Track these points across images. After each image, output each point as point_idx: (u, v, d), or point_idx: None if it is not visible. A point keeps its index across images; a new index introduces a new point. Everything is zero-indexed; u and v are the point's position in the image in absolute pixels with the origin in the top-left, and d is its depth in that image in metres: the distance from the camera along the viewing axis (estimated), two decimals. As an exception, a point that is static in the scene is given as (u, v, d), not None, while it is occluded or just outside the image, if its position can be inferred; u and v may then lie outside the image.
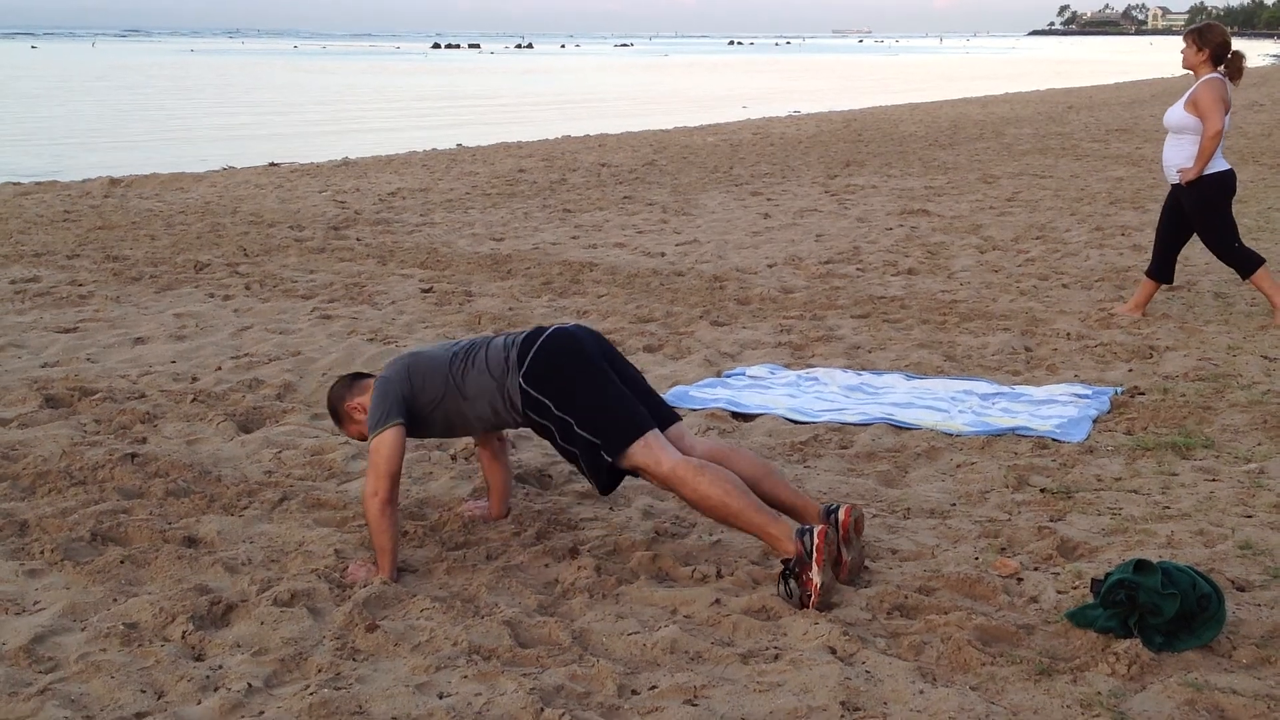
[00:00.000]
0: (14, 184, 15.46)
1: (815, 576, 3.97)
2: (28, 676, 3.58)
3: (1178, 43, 8.54)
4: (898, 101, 36.10)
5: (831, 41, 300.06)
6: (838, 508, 4.23)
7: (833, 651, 3.71)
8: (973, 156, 19.22)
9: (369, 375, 4.67)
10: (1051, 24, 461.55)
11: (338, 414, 4.66)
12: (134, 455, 5.38)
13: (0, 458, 5.37)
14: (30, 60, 79.19)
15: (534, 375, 4.30)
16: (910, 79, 59.68)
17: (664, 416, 4.45)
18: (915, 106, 33.37)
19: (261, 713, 3.40)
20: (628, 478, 4.43)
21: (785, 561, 4.06)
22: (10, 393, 6.35)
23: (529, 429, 4.51)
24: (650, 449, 4.20)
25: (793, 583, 4.03)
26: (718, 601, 4.08)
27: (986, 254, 10.66)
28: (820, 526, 4.01)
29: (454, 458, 5.55)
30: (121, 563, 4.34)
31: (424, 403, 4.40)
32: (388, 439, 4.28)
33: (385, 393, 4.37)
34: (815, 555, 3.97)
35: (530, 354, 4.32)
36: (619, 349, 7.35)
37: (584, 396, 4.27)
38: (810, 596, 3.98)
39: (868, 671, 3.61)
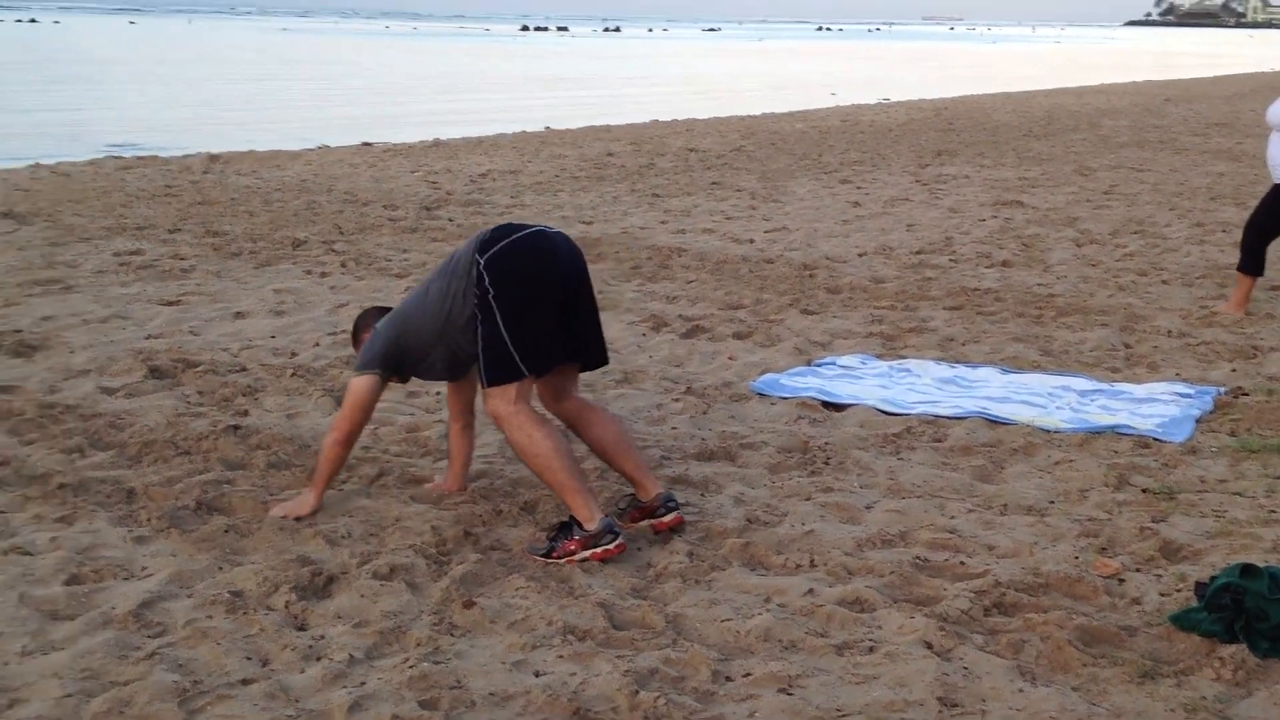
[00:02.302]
0: (116, 158, 15.78)
1: (577, 557, 4.23)
2: (136, 640, 3.68)
3: (1278, 36, 8.35)
4: (990, 91, 35.62)
5: (922, 28, 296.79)
6: (675, 509, 4.54)
7: (929, 646, 3.69)
8: (1068, 148, 18.92)
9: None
10: (1148, 14, 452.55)
11: (356, 338, 4.84)
12: (236, 427, 5.50)
13: (108, 426, 5.52)
14: (130, 36, 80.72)
15: (493, 260, 4.29)
16: (1003, 68, 58.85)
17: (585, 355, 4.55)
18: (1008, 96, 32.91)
19: (363, 683, 3.46)
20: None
21: (576, 523, 4.27)
22: (116, 363, 6.50)
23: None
24: (519, 387, 4.28)
25: (559, 538, 4.27)
26: (811, 591, 4.08)
27: (1084, 247, 10.50)
28: (622, 542, 4.27)
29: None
30: (225, 532, 4.43)
31: (415, 346, 4.52)
32: (361, 385, 4.52)
33: (374, 341, 4.58)
34: (597, 551, 4.24)
35: (501, 242, 4.33)
36: (707, 335, 7.42)
37: (524, 308, 4.26)
38: (550, 558, 4.24)
39: (965, 668, 3.59)
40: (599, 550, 4.24)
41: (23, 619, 3.77)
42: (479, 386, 4.49)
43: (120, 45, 65.33)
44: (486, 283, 4.27)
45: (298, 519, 4.55)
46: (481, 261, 4.29)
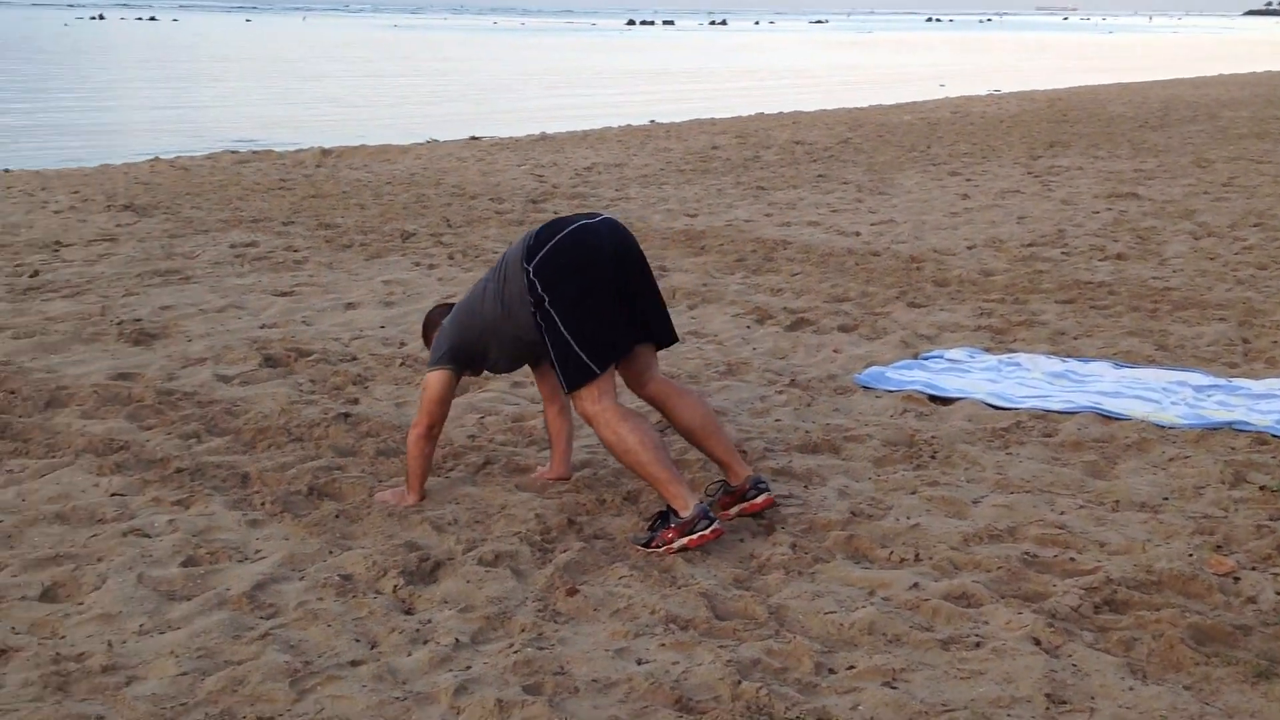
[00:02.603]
0: (232, 153, 16.16)
1: (676, 545, 4.23)
2: (250, 621, 3.77)
3: None
4: (1105, 81, 34.87)
5: (1035, 18, 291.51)
6: (764, 490, 4.54)
7: (1037, 642, 3.64)
8: (1185, 139, 18.47)
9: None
10: (1269, 3, 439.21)
11: (426, 336, 4.92)
12: (347, 415, 5.60)
13: (224, 413, 5.66)
14: (245, 34, 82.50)
15: (543, 266, 4.34)
16: (1118, 58, 57.59)
17: (654, 334, 4.61)
18: (1124, 86, 32.20)
19: (468, 667, 3.51)
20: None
21: (673, 511, 4.28)
22: (232, 351, 6.66)
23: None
24: (601, 382, 4.34)
25: (659, 526, 4.29)
26: (916, 585, 4.04)
27: (1201, 240, 10.23)
28: (719, 528, 4.25)
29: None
30: (336, 517, 4.52)
31: (473, 341, 4.60)
32: (435, 380, 4.60)
33: (440, 338, 4.68)
34: (694, 537, 4.22)
35: (546, 246, 4.37)
36: (811, 327, 7.38)
37: (580, 304, 4.32)
38: (657, 547, 4.25)
39: (1074, 665, 3.53)
40: (695, 536, 4.24)
41: (141, 599, 3.88)
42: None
43: (236, 43, 66.83)
44: (540, 290, 4.33)
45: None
46: (530, 270, 4.35)
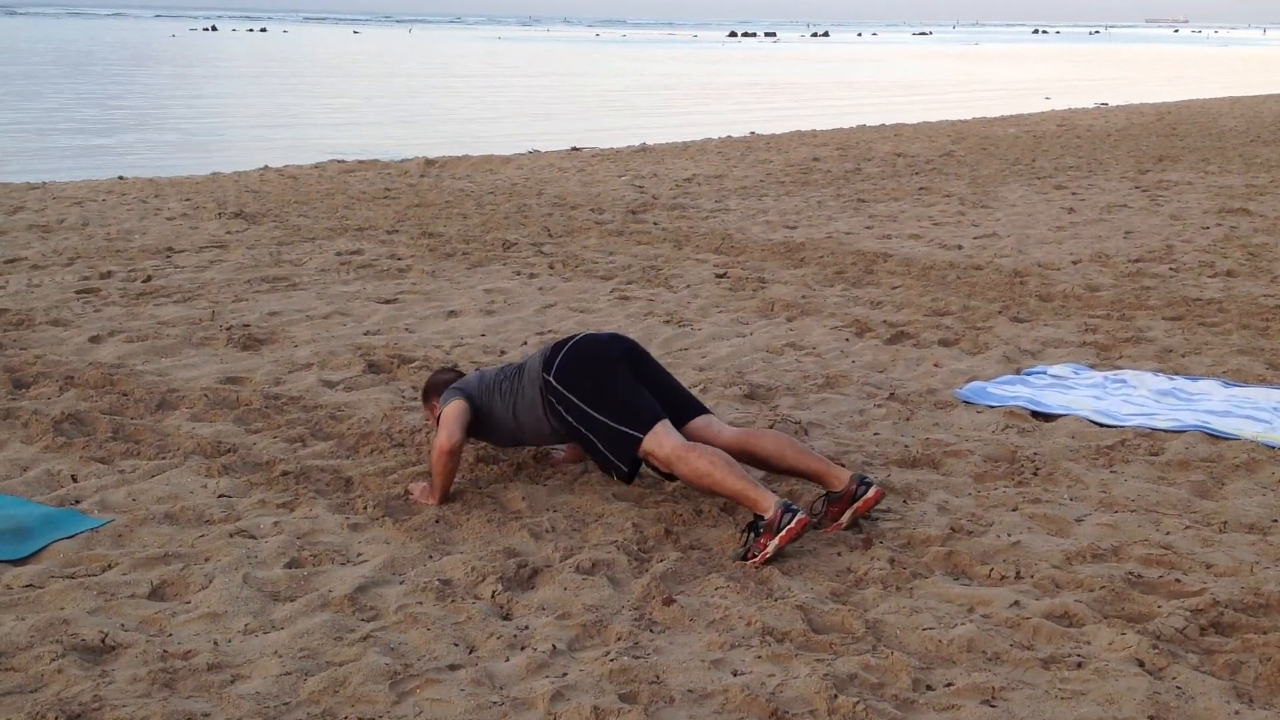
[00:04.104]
0: (339, 161, 16.45)
1: (770, 548, 4.27)
2: (352, 623, 3.83)
3: None
4: (1216, 95, 34.11)
5: (1144, 31, 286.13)
6: (870, 485, 4.56)
7: (1141, 664, 3.57)
8: (1300, 153, 18.00)
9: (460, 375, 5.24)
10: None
11: (428, 399, 5.22)
12: (447, 422, 5.66)
13: (328, 417, 5.76)
14: (353, 46, 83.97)
15: (562, 371, 4.78)
16: (1230, 71, 56.29)
17: (692, 407, 4.90)
18: (1236, 100, 31.47)
19: (565, 674, 3.53)
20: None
21: (759, 518, 4.34)
22: (337, 357, 6.78)
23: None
24: (656, 436, 4.62)
25: (751, 536, 4.34)
26: (1017, 603, 3.99)
27: (1315, 258, 9.97)
28: (803, 516, 4.31)
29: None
30: (436, 522, 4.59)
31: (481, 406, 4.92)
32: (454, 406, 4.85)
33: (452, 391, 4.96)
34: (783, 533, 4.26)
35: (560, 355, 4.83)
36: (911, 341, 7.32)
37: (606, 392, 4.73)
38: (754, 557, 4.28)
39: (1178, 687, 3.46)
40: (784, 533, 4.26)
41: (246, 599, 3.97)
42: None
43: (343, 54, 68.02)
44: (564, 391, 4.76)
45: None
46: (551, 378, 4.79)
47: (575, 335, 4.96)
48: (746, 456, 4.77)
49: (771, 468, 4.79)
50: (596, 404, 4.70)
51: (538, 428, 4.91)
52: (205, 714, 3.31)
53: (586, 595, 4.03)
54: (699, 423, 4.85)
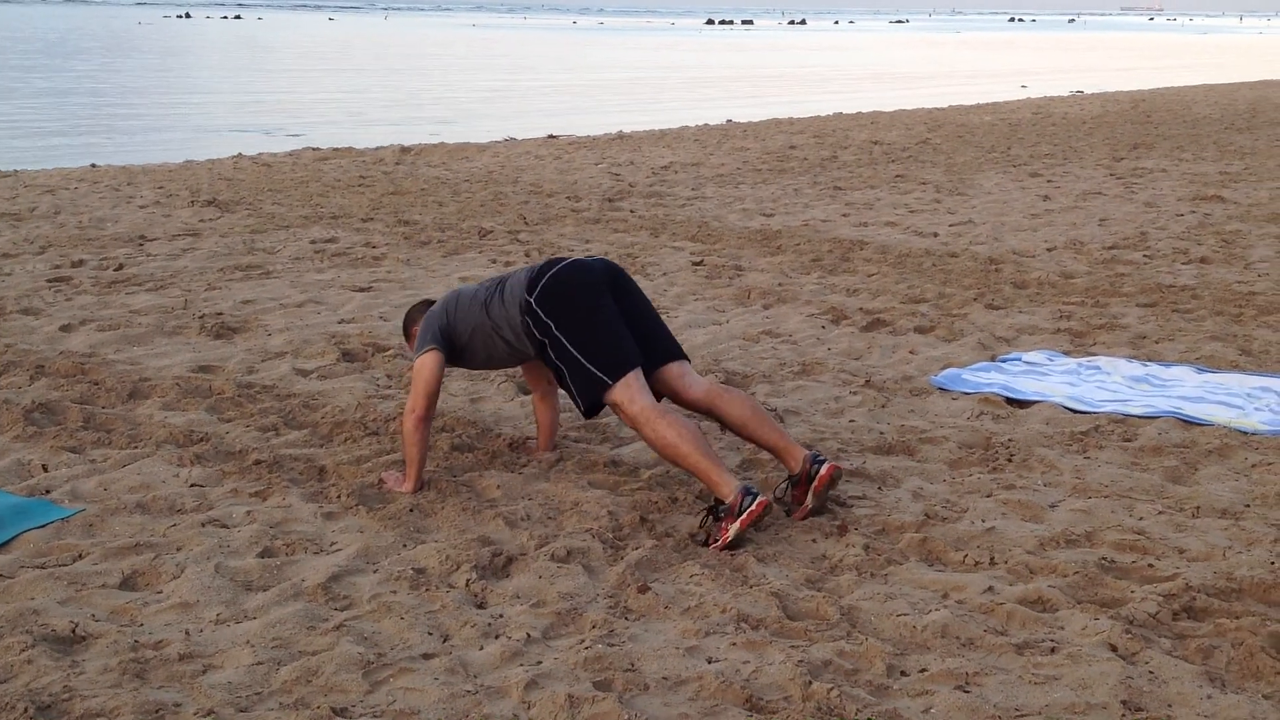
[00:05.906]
0: (313, 149, 16.36)
1: (731, 532, 4.27)
2: (324, 613, 3.81)
3: None
4: (1190, 82, 34.25)
5: (1120, 19, 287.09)
6: (823, 462, 4.53)
7: (1114, 649, 3.58)
8: (1273, 141, 18.09)
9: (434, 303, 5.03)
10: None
11: (407, 333, 5.11)
12: (422, 410, 5.64)
13: (301, 406, 5.73)
14: (328, 32, 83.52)
15: (544, 296, 4.66)
16: (1204, 59, 56.54)
17: (669, 352, 4.77)
18: (1210, 88, 31.62)
19: (539, 662, 3.52)
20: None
21: (719, 502, 4.35)
22: (311, 346, 6.75)
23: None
24: (628, 389, 4.53)
25: (711, 521, 4.35)
26: (991, 589, 4.00)
27: (1288, 244, 10.02)
28: (763, 498, 4.29)
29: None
30: (410, 511, 4.57)
31: (461, 332, 4.81)
32: (426, 362, 4.74)
33: (428, 323, 4.84)
34: (744, 517, 4.26)
35: (545, 278, 4.69)
36: (887, 328, 7.32)
37: (584, 328, 4.61)
38: (716, 543, 4.29)
39: (1151, 672, 3.47)
40: (744, 516, 4.26)
41: (218, 589, 3.94)
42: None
43: (318, 40, 67.65)
44: (543, 317, 4.64)
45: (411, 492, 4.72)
46: (533, 300, 4.67)
47: (564, 258, 4.81)
48: (712, 416, 4.79)
49: (734, 432, 4.81)
50: (572, 336, 4.60)
51: (514, 346, 4.77)
52: (177, 704, 3.29)
53: (561, 583, 4.01)
54: (672, 369, 4.75)
